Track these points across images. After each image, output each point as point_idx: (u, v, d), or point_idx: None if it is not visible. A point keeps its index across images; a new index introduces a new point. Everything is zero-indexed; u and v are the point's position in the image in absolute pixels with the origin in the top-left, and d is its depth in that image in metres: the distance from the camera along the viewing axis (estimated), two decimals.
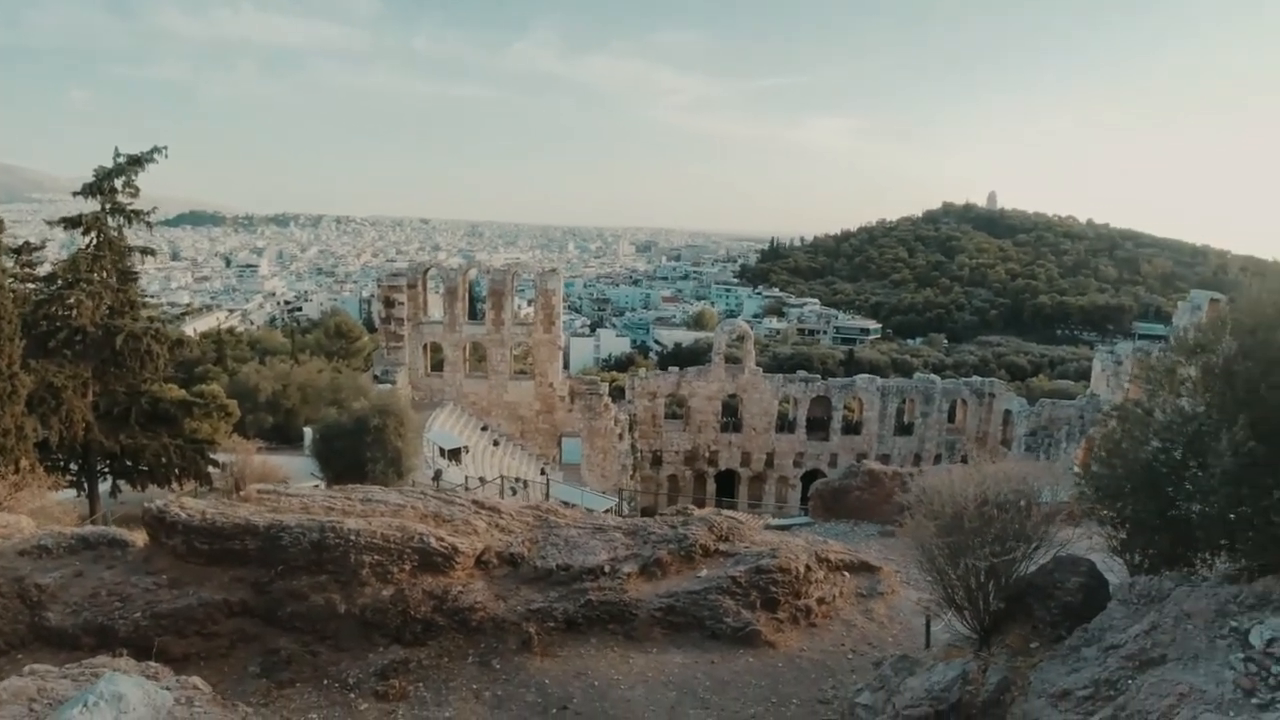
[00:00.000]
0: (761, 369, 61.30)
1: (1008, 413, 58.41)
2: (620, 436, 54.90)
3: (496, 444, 49.69)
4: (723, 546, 16.35)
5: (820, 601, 15.98)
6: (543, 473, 46.28)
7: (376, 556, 13.06)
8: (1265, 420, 12.90)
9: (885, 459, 54.12)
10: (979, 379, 64.95)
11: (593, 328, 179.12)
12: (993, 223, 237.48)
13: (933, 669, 13.56)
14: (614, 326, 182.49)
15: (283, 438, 43.55)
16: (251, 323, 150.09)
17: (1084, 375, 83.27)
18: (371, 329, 76.34)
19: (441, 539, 13.64)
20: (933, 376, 65.98)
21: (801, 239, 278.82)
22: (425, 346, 53.30)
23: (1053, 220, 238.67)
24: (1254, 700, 16.33)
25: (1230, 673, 16.20)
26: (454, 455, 40.53)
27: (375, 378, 48.92)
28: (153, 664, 9.35)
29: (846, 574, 17.59)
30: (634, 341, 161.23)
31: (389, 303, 51.98)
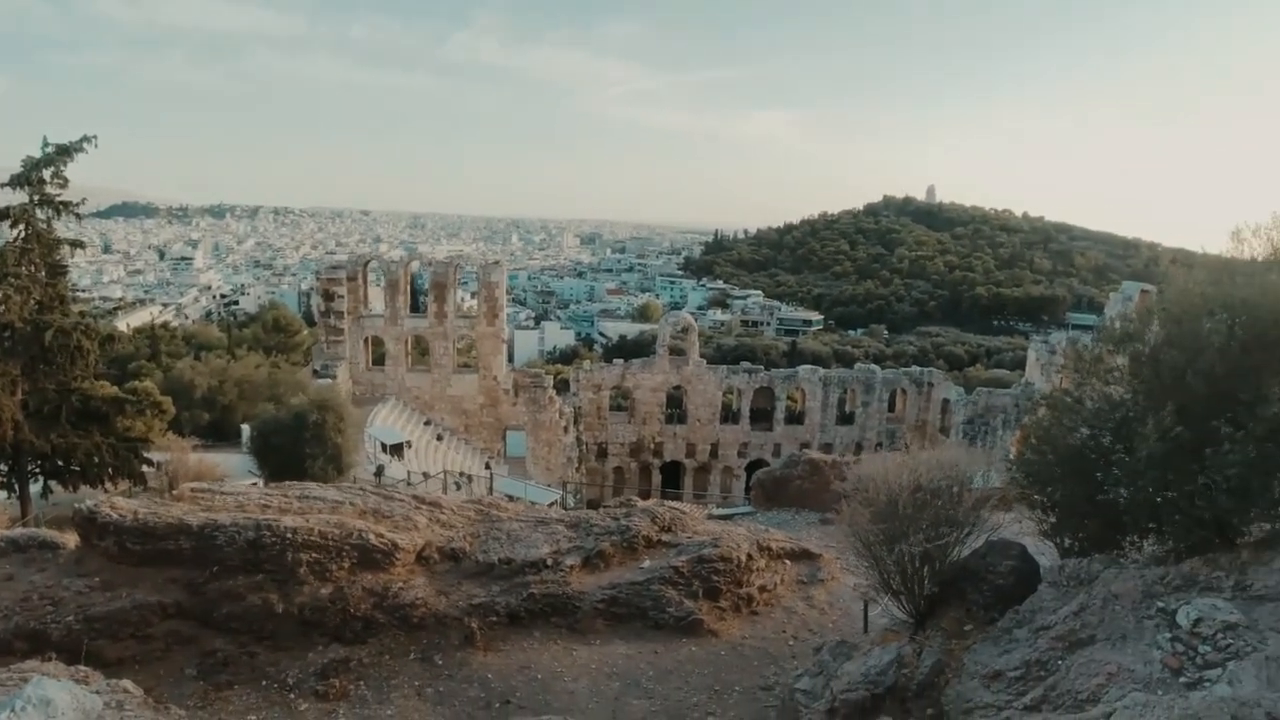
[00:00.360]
0: (706, 361, 61.71)
1: (946, 401, 59.58)
2: (565, 429, 54.86)
3: (440, 439, 49.31)
4: (665, 537, 16.47)
5: (762, 589, 16.19)
6: (487, 467, 46.07)
7: (314, 554, 12.92)
8: (1190, 406, 13.37)
9: (828, 448, 54.89)
10: (918, 369, 66.11)
11: (537, 320, 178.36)
12: (931, 216, 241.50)
13: (869, 653, 13.84)
14: (559, 319, 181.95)
15: (219, 435, 42.76)
16: (186, 317, 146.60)
17: (1019, 364, 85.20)
18: (311, 323, 75.27)
19: (381, 535, 13.55)
20: (873, 367, 66.96)
21: (745, 231, 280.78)
22: (366, 340, 52.64)
23: (989, 214, 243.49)
24: (1182, 679, 16.90)
25: (1158, 652, 16.77)
26: (396, 451, 40.13)
27: (315, 372, 48.20)
28: (83, 668, 9.16)
29: (788, 562, 17.84)
30: (579, 334, 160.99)
31: (328, 296, 51.23)
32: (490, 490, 34.39)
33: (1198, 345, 13.07)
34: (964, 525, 13.80)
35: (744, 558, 16.05)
